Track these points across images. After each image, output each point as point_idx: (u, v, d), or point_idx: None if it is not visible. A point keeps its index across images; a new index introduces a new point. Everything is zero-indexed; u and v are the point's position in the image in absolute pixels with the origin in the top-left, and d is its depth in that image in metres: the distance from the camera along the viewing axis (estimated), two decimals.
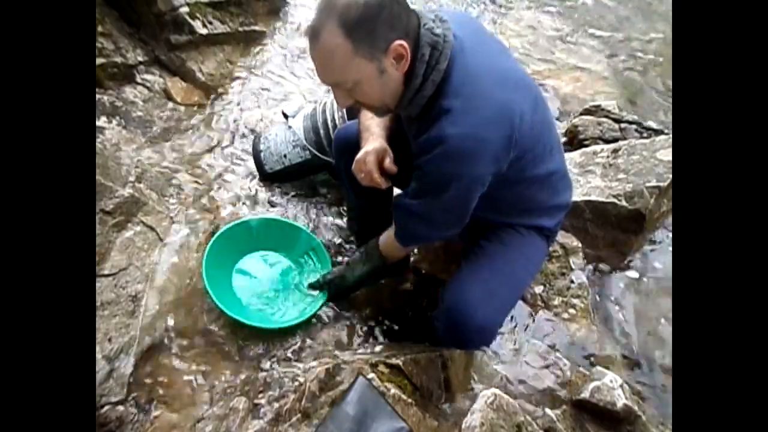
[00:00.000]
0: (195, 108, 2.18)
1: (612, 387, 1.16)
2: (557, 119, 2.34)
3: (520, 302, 1.44)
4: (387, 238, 1.28)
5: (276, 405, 1.18)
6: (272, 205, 1.81)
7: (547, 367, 1.29)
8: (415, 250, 1.60)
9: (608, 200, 1.58)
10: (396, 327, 1.44)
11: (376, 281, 1.44)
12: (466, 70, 1.00)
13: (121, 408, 1.19)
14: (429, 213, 1.11)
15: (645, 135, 2.04)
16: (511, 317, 1.41)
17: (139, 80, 2.15)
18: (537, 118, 1.06)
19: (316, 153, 1.76)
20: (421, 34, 0.98)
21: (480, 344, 1.26)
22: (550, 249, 1.50)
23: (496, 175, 1.04)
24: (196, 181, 1.85)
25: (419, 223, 1.15)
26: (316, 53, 0.97)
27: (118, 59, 2.08)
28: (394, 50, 0.95)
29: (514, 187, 1.14)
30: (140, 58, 2.17)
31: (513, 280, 1.27)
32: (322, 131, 1.76)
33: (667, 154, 1.68)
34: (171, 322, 1.38)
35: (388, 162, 1.21)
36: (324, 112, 1.78)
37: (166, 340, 1.34)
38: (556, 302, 1.43)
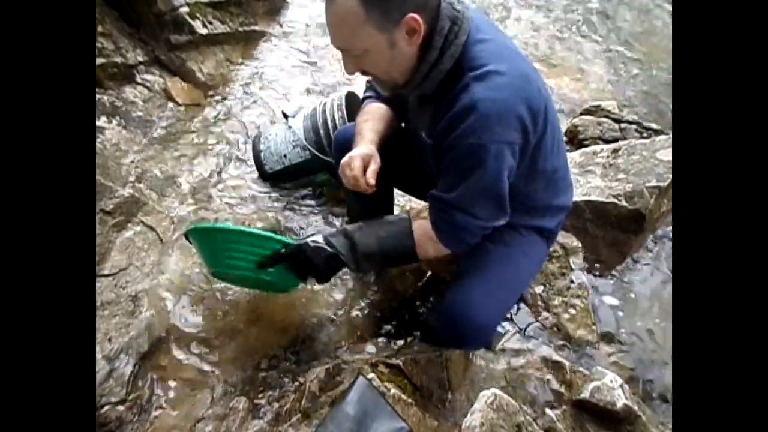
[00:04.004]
0: (195, 108, 2.18)
1: (612, 387, 1.15)
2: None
3: (519, 303, 1.44)
4: (427, 234, 1.11)
5: (276, 405, 1.18)
6: (272, 205, 1.82)
7: (547, 367, 1.29)
8: None
9: (608, 200, 1.58)
10: (396, 327, 1.44)
11: (392, 262, 1.25)
12: (485, 44, 1.00)
13: (121, 408, 1.19)
14: (468, 202, 1.04)
15: (645, 135, 2.04)
16: (511, 318, 1.41)
17: (139, 80, 2.15)
18: (548, 108, 1.06)
19: (316, 153, 1.76)
20: (442, 7, 0.97)
21: (478, 343, 1.26)
22: (550, 249, 1.50)
23: (523, 152, 1.02)
24: (196, 181, 1.85)
25: (461, 217, 1.06)
26: (330, 14, 0.94)
27: (118, 59, 2.08)
28: (406, 23, 0.93)
29: (520, 181, 1.14)
30: (140, 58, 2.17)
31: (512, 281, 1.27)
32: (322, 131, 1.76)
33: (667, 154, 1.68)
34: (171, 322, 1.38)
35: (373, 168, 1.17)
36: (324, 112, 1.78)
37: (166, 341, 1.34)
38: (556, 302, 1.42)
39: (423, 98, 1.09)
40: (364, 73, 1.03)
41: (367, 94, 1.36)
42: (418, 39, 0.96)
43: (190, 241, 1.26)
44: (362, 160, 1.17)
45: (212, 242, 1.18)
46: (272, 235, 1.14)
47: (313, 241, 1.10)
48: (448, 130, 0.99)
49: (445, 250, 1.13)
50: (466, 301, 1.18)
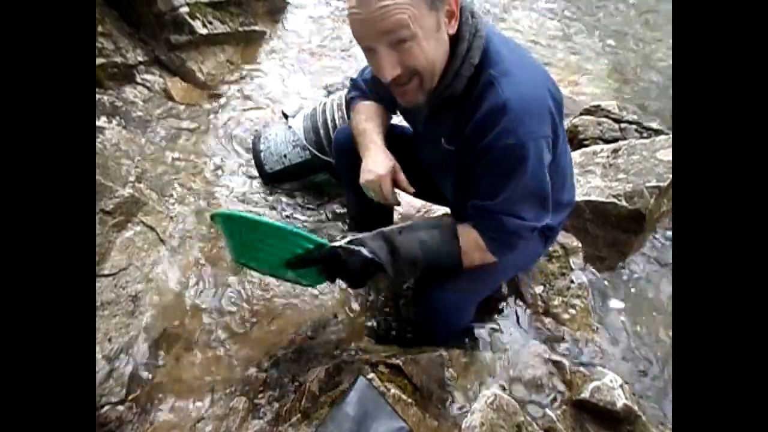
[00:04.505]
0: (195, 108, 2.18)
1: (612, 387, 1.16)
2: None
3: (519, 302, 1.44)
4: (475, 242, 1.05)
5: (276, 405, 1.19)
6: (272, 205, 1.82)
7: (547, 367, 1.29)
8: None
9: (608, 200, 1.58)
10: (397, 327, 1.44)
11: (434, 269, 1.11)
12: (499, 40, 0.99)
13: (121, 408, 1.19)
14: (514, 205, 0.99)
15: (645, 135, 2.04)
16: (510, 317, 1.41)
17: (139, 80, 2.15)
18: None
19: (316, 153, 1.76)
20: None
21: (447, 333, 1.26)
22: (551, 249, 1.50)
23: (553, 146, 0.99)
24: (196, 181, 1.85)
25: (510, 222, 1.00)
26: None
27: (118, 59, 2.08)
28: (449, 2, 0.90)
29: None
30: (140, 58, 2.17)
31: (489, 275, 1.21)
32: (322, 131, 1.76)
33: (667, 154, 1.69)
34: (171, 322, 1.38)
35: (404, 180, 1.15)
36: (324, 112, 1.78)
37: (166, 340, 1.34)
38: (556, 302, 1.42)
39: (441, 105, 1.03)
40: (398, 80, 0.93)
41: (354, 93, 1.32)
42: (455, 24, 0.93)
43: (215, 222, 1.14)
44: (391, 175, 1.14)
45: (239, 231, 1.06)
46: (306, 233, 1.03)
47: (349, 244, 1.00)
48: (480, 133, 0.94)
49: (492, 258, 1.06)
50: (436, 295, 1.16)
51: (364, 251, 0.99)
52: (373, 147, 1.20)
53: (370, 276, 1.04)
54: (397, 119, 1.33)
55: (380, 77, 0.93)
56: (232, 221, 1.05)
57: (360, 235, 1.03)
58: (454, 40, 0.95)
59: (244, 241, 1.05)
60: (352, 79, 1.35)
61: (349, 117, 1.36)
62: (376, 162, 1.17)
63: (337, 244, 1.01)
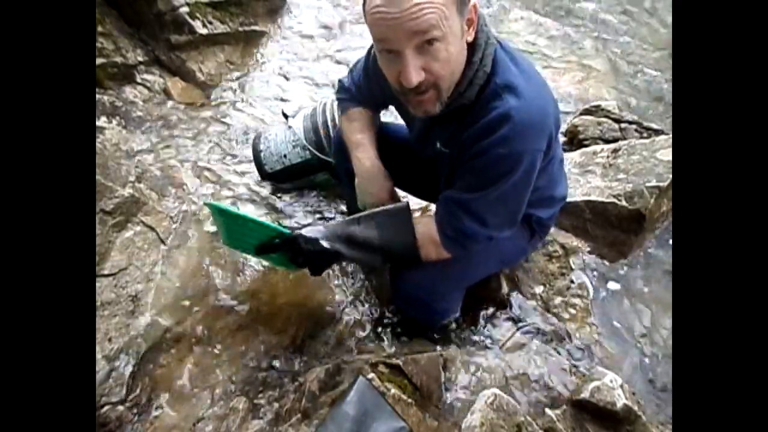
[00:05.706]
0: (195, 108, 2.18)
1: (612, 387, 1.16)
2: None
3: (519, 302, 1.44)
4: (431, 237, 1.08)
5: (276, 405, 1.19)
6: (272, 204, 1.82)
7: (547, 367, 1.30)
8: None
9: (608, 200, 1.58)
10: (396, 327, 1.44)
11: (393, 258, 1.13)
12: (504, 49, 0.99)
13: (121, 408, 1.19)
14: (484, 208, 1.00)
15: (645, 135, 2.04)
16: (510, 317, 1.41)
17: (139, 80, 2.15)
18: None
19: (316, 153, 1.76)
20: None
21: (423, 311, 1.28)
22: (551, 249, 1.50)
23: (543, 157, 1.00)
24: (196, 181, 1.85)
25: (470, 225, 1.02)
26: None
27: (118, 59, 2.08)
28: (470, 10, 0.89)
29: None
30: (140, 58, 2.17)
31: (471, 267, 1.22)
32: (322, 131, 1.76)
33: (667, 154, 1.69)
34: (171, 322, 1.38)
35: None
36: (324, 112, 1.78)
37: (166, 340, 1.34)
38: (556, 302, 1.43)
39: (442, 115, 1.00)
40: (418, 88, 0.90)
41: (343, 96, 1.31)
42: (472, 32, 0.93)
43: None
44: (390, 193, 1.22)
45: (225, 220, 1.20)
46: (268, 223, 1.15)
47: (308, 233, 1.07)
48: (478, 137, 0.94)
49: (447, 254, 1.10)
50: (411, 280, 1.17)
51: (322, 240, 1.06)
52: (371, 165, 1.21)
53: (328, 263, 1.12)
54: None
55: (403, 83, 0.89)
56: (218, 211, 1.19)
57: (320, 225, 1.10)
58: (470, 48, 0.94)
59: (230, 228, 1.20)
60: (340, 80, 1.33)
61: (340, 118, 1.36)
62: (375, 184, 1.20)
63: (296, 233, 1.08)
